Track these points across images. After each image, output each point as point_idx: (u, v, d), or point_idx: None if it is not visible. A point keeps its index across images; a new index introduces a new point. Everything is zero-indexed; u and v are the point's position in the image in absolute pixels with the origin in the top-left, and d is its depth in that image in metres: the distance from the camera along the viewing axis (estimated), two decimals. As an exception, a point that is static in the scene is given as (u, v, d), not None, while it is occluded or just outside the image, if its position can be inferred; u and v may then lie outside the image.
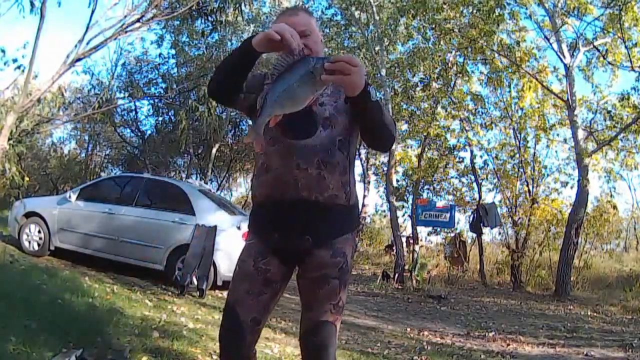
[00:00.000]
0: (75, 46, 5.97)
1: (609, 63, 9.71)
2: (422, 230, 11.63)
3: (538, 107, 10.53)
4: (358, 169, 18.50)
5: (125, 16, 6.09)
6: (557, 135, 10.97)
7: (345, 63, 1.32)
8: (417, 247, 10.52)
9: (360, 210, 1.80)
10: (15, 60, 6.48)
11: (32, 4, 5.83)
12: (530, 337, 5.13)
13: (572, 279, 9.13)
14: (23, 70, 6.27)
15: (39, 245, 6.67)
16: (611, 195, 11.00)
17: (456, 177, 12.06)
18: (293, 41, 1.40)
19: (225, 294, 6.27)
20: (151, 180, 7.08)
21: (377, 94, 1.44)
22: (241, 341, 1.62)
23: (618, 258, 12.50)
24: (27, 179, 8.40)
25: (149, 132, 16.14)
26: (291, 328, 4.56)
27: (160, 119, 15.30)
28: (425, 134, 11.39)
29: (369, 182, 16.99)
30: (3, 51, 6.61)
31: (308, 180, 1.56)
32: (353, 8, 11.45)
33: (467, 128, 11.08)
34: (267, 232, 1.65)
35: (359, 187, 17.17)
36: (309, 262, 1.62)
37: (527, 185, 10.66)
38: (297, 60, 1.40)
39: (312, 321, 1.62)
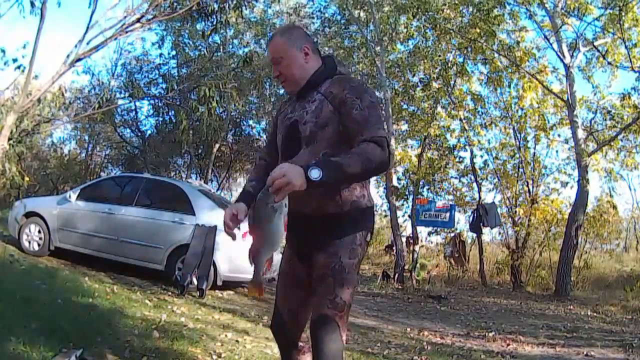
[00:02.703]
0: (76, 46, 5.97)
1: (609, 63, 9.71)
2: (422, 230, 11.65)
3: (538, 107, 10.53)
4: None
5: (125, 16, 6.09)
6: (558, 135, 10.99)
7: (277, 181, 1.43)
8: (417, 247, 10.51)
9: (365, 210, 1.79)
10: (15, 60, 6.48)
11: (32, 4, 5.82)
12: (530, 337, 5.13)
13: (572, 279, 9.13)
14: (23, 70, 6.26)
15: (39, 245, 6.66)
16: (611, 195, 11.02)
17: (456, 177, 12.07)
18: (232, 233, 1.83)
19: (225, 294, 6.28)
20: (151, 180, 7.07)
21: (318, 173, 1.46)
22: (283, 329, 1.91)
23: (618, 258, 12.50)
24: (27, 179, 8.39)
25: (149, 132, 16.14)
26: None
27: (161, 119, 15.30)
28: (425, 134, 11.39)
29: (369, 182, 16.98)
30: (3, 51, 6.61)
31: (296, 196, 1.60)
32: (352, 8, 11.44)
33: (467, 128, 11.08)
34: (290, 239, 1.91)
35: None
36: (313, 265, 1.80)
37: (527, 185, 10.67)
38: (257, 208, 1.60)
39: (313, 316, 1.76)
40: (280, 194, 1.47)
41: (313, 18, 14.40)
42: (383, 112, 1.47)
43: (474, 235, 11.04)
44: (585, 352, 4.45)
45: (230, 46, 14.55)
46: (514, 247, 10.37)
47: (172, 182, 7.32)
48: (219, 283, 5.96)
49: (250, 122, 17.28)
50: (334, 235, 1.76)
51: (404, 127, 13.49)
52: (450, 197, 11.82)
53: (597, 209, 10.77)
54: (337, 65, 1.88)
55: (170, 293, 5.55)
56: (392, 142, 10.63)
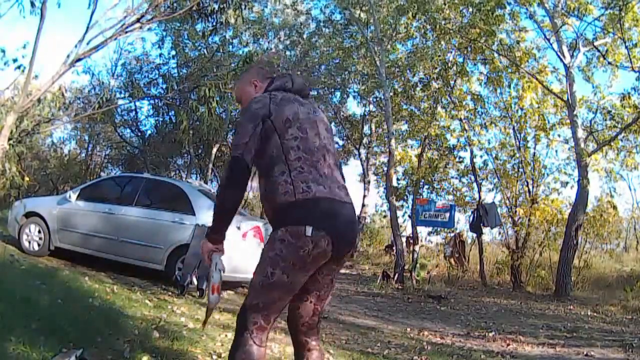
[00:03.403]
0: (76, 46, 5.97)
1: (609, 63, 9.71)
2: (422, 230, 11.63)
3: (538, 107, 10.53)
4: (358, 168, 18.52)
5: (125, 17, 6.09)
6: (558, 135, 10.99)
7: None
8: (417, 247, 10.51)
9: (288, 205, 1.92)
10: (15, 60, 6.48)
11: (32, 4, 5.82)
12: (530, 337, 5.13)
13: (572, 279, 9.13)
14: (23, 70, 6.26)
15: (39, 245, 6.66)
16: (611, 195, 11.01)
17: (456, 177, 12.06)
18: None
19: (225, 294, 6.27)
20: (151, 180, 7.06)
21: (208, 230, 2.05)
22: (289, 324, 2.11)
23: (618, 258, 12.50)
24: (27, 179, 8.40)
25: (149, 132, 16.14)
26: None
27: (161, 119, 15.30)
28: (425, 134, 11.39)
29: (369, 182, 16.99)
30: (3, 51, 6.62)
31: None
32: (352, 8, 11.44)
33: (467, 128, 11.07)
34: None
35: (359, 187, 17.17)
36: None
37: (527, 185, 10.65)
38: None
39: None
40: (208, 261, 2.08)
41: (310, 14, 14.41)
42: (252, 126, 1.65)
43: (474, 235, 11.03)
44: (585, 352, 4.45)
45: (230, 46, 14.55)
46: (514, 247, 10.36)
47: (172, 182, 7.32)
48: (219, 283, 5.94)
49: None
50: (272, 232, 1.94)
51: (404, 127, 13.50)
52: (450, 197, 11.80)
53: (597, 209, 10.75)
54: (274, 81, 2.12)
55: (170, 293, 5.55)
56: (392, 142, 10.64)
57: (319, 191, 1.85)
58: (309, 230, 1.78)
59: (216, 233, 2.00)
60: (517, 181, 10.70)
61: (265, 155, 1.91)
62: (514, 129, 10.79)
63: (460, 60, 10.92)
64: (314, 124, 2.00)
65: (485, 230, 10.83)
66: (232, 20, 7.24)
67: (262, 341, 1.83)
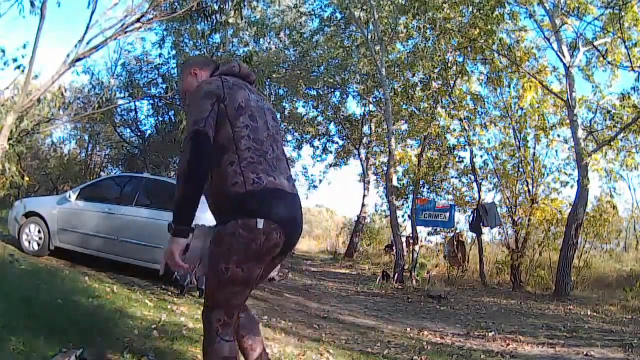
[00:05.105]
0: (76, 46, 5.95)
1: (609, 63, 9.71)
2: (422, 230, 11.64)
3: (538, 107, 10.53)
4: (358, 168, 18.52)
5: (126, 16, 6.07)
6: (558, 135, 10.99)
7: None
8: (417, 247, 10.52)
9: (240, 196, 1.84)
10: (15, 60, 6.47)
11: (32, 4, 5.80)
12: (530, 337, 5.13)
13: (572, 279, 9.13)
14: (23, 70, 6.25)
15: (39, 245, 6.65)
16: (611, 196, 11.01)
17: (456, 177, 12.07)
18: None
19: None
20: (151, 180, 7.06)
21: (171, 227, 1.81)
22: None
23: (618, 258, 12.49)
24: (27, 179, 8.39)
25: (149, 132, 16.12)
26: (291, 328, 4.56)
27: (161, 119, 15.28)
28: (425, 134, 11.39)
29: (369, 182, 16.98)
30: (3, 51, 6.59)
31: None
32: (352, 7, 11.45)
33: (467, 128, 11.08)
34: None
35: (359, 187, 17.17)
36: None
37: (527, 185, 10.66)
38: None
39: None
40: (184, 266, 1.91)
41: (312, 14, 14.40)
42: (210, 103, 1.55)
43: (474, 235, 11.04)
44: (585, 352, 4.45)
45: (231, 46, 14.55)
46: (514, 247, 10.37)
47: (172, 182, 7.30)
48: (219, 283, 5.94)
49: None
50: (219, 226, 1.88)
51: (404, 127, 13.50)
52: (450, 197, 11.82)
53: (597, 209, 10.76)
54: (219, 68, 2.07)
55: (170, 293, 5.55)
56: (393, 141, 10.64)
57: (270, 183, 1.81)
58: (260, 223, 1.75)
59: (185, 223, 1.80)
60: (517, 181, 10.70)
61: (215, 145, 1.82)
62: (514, 129, 10.80)
63: (460, 60, 10.92)
64: (263, 113, 1.97)
65: (485, 230, 10.84)
66: (232, 20, 7.22)
67: (230, 336, 1.83)
